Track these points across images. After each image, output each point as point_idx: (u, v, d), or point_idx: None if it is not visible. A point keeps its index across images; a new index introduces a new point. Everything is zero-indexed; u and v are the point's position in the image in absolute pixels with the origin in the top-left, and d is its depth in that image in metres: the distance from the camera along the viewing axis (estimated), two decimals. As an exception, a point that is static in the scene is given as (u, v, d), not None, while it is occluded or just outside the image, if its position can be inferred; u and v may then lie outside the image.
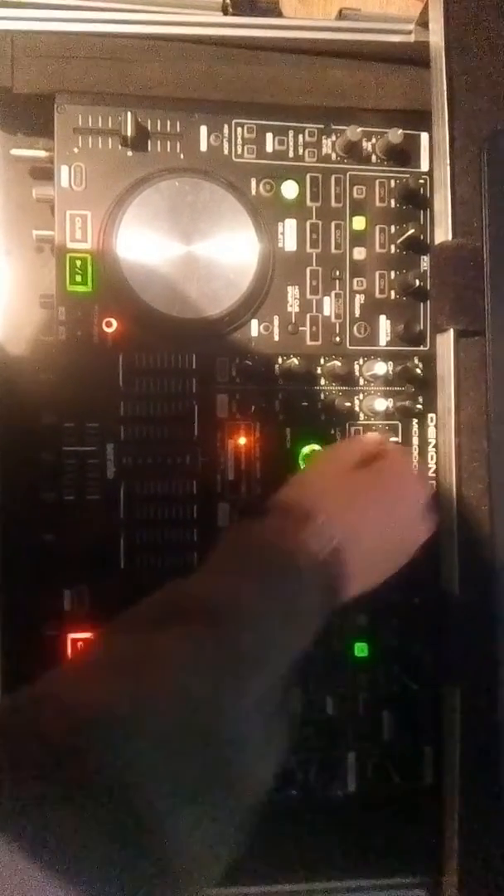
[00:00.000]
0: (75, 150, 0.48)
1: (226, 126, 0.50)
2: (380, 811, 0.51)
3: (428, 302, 0.51)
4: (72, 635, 0.47)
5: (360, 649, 0.51)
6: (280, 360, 0.50)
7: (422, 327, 0.51)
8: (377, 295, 0.52)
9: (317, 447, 0.50)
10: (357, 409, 0.51)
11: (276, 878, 0.49)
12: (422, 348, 0.52)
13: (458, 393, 0.47)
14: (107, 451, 0.48)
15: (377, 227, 0.51)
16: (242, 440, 0.50)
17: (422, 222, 0.51)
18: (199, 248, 0.47)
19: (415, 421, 0.52)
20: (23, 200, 0.52)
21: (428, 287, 0.51)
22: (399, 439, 0.51)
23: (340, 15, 0.55)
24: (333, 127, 0.51)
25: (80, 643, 0.47)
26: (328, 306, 0.51)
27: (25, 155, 0.51)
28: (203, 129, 0.49)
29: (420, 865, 0.50)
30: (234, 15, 0.51)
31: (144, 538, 0.49)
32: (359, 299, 0.51)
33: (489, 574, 0.46)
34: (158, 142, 0.49)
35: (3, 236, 0.52)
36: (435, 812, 0.49)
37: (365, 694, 0.51)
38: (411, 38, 0.51)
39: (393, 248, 0.52)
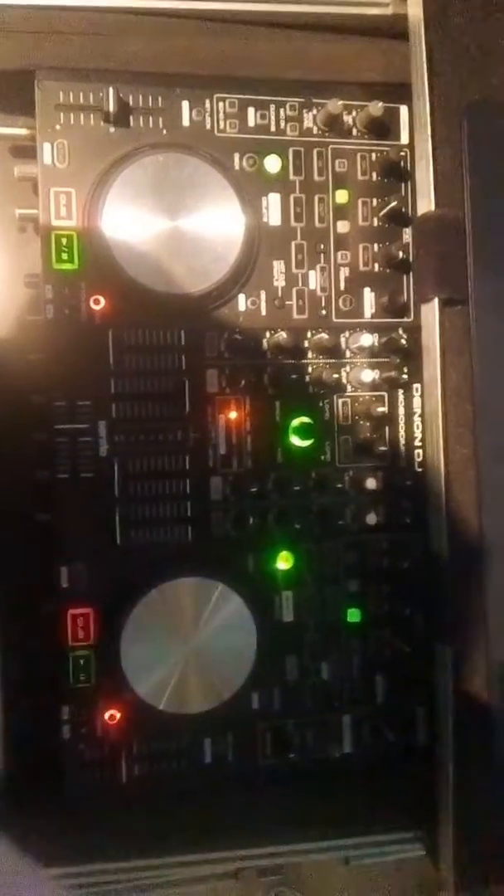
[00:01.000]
0: (57, 126, 0.48)
1: (207, 101, 0.50)
2: (376, 770, 0.52)
3: (411, 273, 0.52)
4: (71, 611, 0.48)
5: (353, 615, 0.52)
6: (268, 335, 0.51)
7: (406, 299, 0.52)
8: (361, 268, 0.52)
9: (306, 419, 0.51)
10: (344, 380, 0.52)
11: (276, 838, 0.51)
12: (406, 319, 0.53)
13: (443, 360, 0.48)
14: (99, 428, 0.48)
15: (360, 200, 0.52)
16: (233, 414, 0.50)
17: (403, 194, 0.52)
18: (184, 224, 0.48)
19: (401, 391, 0.53)
20: (3, 179, 0.52)
21: (411, 259, 0.52)
22: (386, 409, 0.52)
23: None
24: (314, 101, 0.51)
25: (79, 619, 0.48)
26: (314, 280, 0.51)
27: (5, 133, 0.51)
28: (185, 105, 0.49)
29: (417, 820, 0.52)
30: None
31: (139, 514, 0.49)
32: (343, 272, 0.52)
33: (477, 535, 0.48)
34: (141, 117, 0.49)
35: (-14, 216, 0.51)
36: (429, 769, 0.51)
37: (358, 658, 0.52)
38: (389, 11, 0.51)
39: (375, 220, 0.52)
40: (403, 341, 0.52)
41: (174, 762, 0.50)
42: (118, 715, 0.48)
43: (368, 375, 0.51)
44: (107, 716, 0.48)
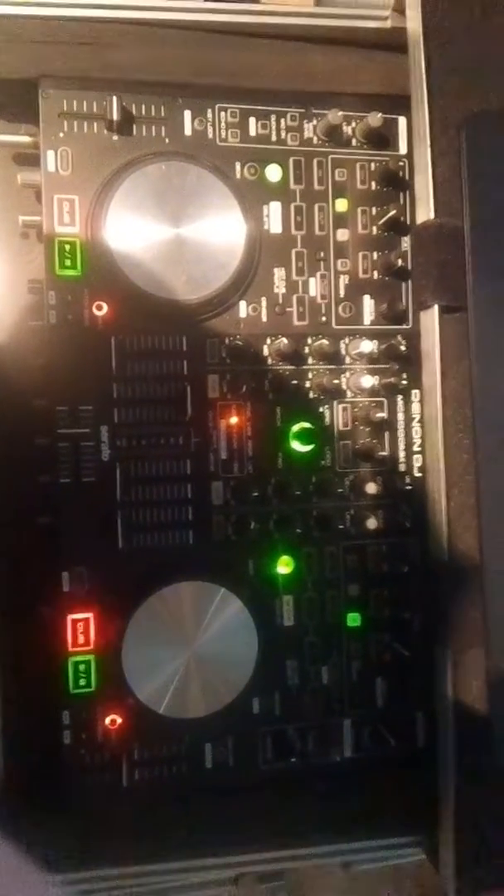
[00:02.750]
0: (61, 134, 0.48)
1: (209, 110, 0.50)
2: (376, 775, 0.52)
3: (410, 281, 0.53)
4: (71, 616, 0.48)
5: (353, 619, 0.53)
6: (269, 341, 0.51)
7: (404, 306, 0.53)
8: (361, 275, 0.53)
9: (307, 425, 0.51)
10: (344, 386, 0.53)
11: (277, 843, 0.51)
12: (404, 326, 0.53)
13: (442, 366, 0.49)
14: (101, 433, 0.49)
15: (359, 209, 0.53)
16: (234, 420, 0.51)
17: (402, 203, 0.53)
18: (186, 231, 0.48)
19: (400, 397, 0.53)
20: (7, 186, 0.52)
21: (409, 267, 0.53)
22: (385, 415, 0.52)
23: (318, 1, 0.56)
24: (314, 111, 0.52)
25: (79, 624, 0.48)
26: (314, 287, 0.52)
27: (9, 140, 0.51)
28: (187, 114, 0.50)
29: (416, 825, 0.52)
30: (215, 0, 0.51)
31: (141, 518, 0.49)
32: (343, 280, 0.53)
33: (476, 540, 0.48)
34: (143, 126, 0.49)
35: (-11, 222, 0.52)
36: (429, 773, 0.51)
37: (358, 662, 0.53)
38: (388, 24, 0.52)
39: (374, 229, 0.53)
40: (402, 348, 0.52)
41: (175, 767, 0.50)
42: (119, 720, 0.48)
43: (368, 381, 0.52)
44: (108, 721, 0.48)
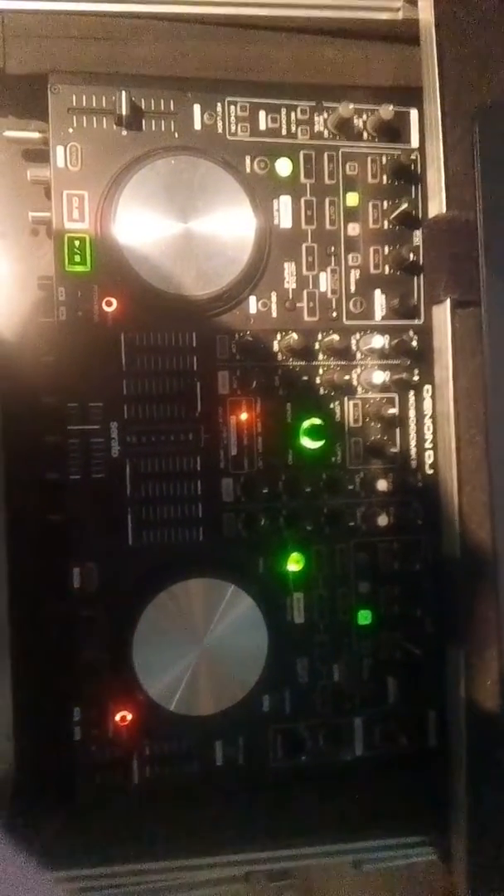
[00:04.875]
0: (70, 130, 0.48)
1: (219, 104, 0.50)
2: (387, 774, 0.52)
3: (421, 276, 0.53)
4: (83, 612, 0.48)
5: (364, 617, 0.52)
6: (279, 336, 0.51)
7: (416, 301, 0.53)
8: (372, 270, 0.52)
9: (317, 421, 0.51)
10: (355, 382, 0.52)
11: (288, 841, 0.50)
12: (416, 321, 0.53)
13: (455, 362, 0.48)
14: (111, 429, 0.49)
15: (370, 203, 0.52)
16: (244, 416, 0.51)
17: (413, 197, 0.52)
18: (196, 226, 0.48)
19: (411, 392, 0.53)
20: (17, 182, 0.52)
21: (421, 261, 0.52)
22: (396, 411, 0.52)
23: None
24: (325, 104, 0.51)
25: (90, 619, 0.48)
26: (324, 282, 0.52)
27: (19, 136, 0.51)
28: (196, 108, 0.50)
29: (428, 825, 0.52)
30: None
31: (151, 515, 0.49)
32: (354, 274, 0.52)
33: (489, 537, 0.48)
34: (153, 121, 0.49)
35: (-1, 219, 0.52)
36: (441, 772, 0.51)
37: (369, 661, 0.52)
38: (399, 16, 0.51)
39: (386, 223, 0.52)
40: (414, 343, 0.52)
41: (185, 764, 0.50)
42: (129, 716, 0.48)
43: (379, 377, 0.51)
44: (118, 717, 0.48)
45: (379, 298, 0.52)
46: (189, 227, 0.48)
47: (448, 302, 0.48)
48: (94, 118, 0.48)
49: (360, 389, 0.52)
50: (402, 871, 0.54)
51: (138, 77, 0.49)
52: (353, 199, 0.52)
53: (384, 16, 0.52)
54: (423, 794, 0.52)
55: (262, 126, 0.51)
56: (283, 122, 0.51)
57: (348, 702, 0.52)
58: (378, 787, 0.52)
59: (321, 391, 0.52)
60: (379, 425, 0.52)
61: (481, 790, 0.49)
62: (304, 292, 0.51)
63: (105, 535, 0.49)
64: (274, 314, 0.51)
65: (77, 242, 0.48)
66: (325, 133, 0.52)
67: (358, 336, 0.52)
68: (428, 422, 0.53)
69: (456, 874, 0.50)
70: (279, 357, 0.51)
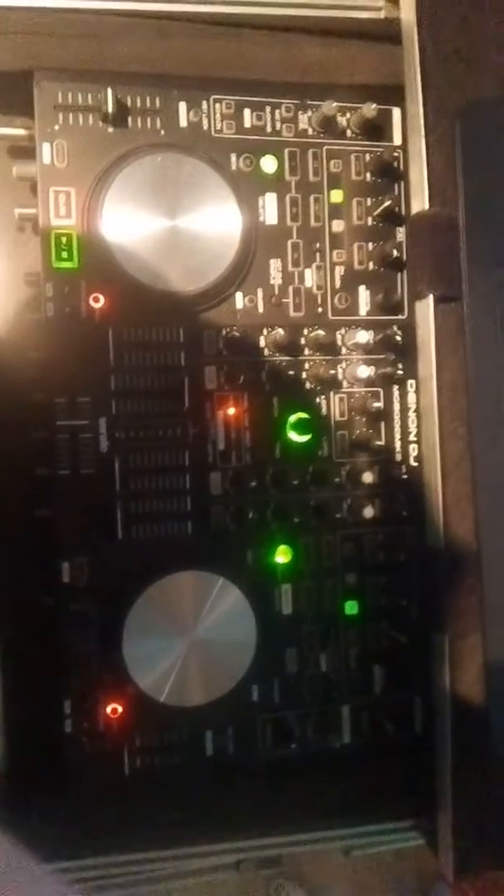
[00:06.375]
0: (56, 127, 0.48)
1: (204, 102, 0.50)
2: (375, 760, 0.53)
3: (405, 272, 0.53)
4: (72, 606, 0.48)
5: (351, 607, 0.53)
6: (265, 332, 0.52)
7: (400, 296, 0.53)
8: (356, 266, 0.53)
9: (303, 415, 0.52)
10: (341, 377, 0.53)
11: (278, 829, 0.51)
12: (400, 317, 0.54)
13: (438, 356, 0.49)
14: (99, 425, 0.49)
15: (354, 200, 0.53)
16: (231, 410, 0.51)
17: (397, 194, 0.53)
18: (182, 223, 0.48)
19: (396, 387, 0.54)
20: (2, 179, 0.52)
21: (405, 257, 0.53)
22: (381, 405, 0.53)
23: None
24: (309, 102, 0.52)
25: (80, 613, 0.48)
26: (310, 278, 0.52)
27: (4, 133, 0.51)
28: (182, 106, 0.50)
29: (415, 810, 0.53)
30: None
31: (140, 509, 0.50)
32: (339, 271, 0.53)
33: (472, 527, 0.49)
34: (139, 118, 0.50)
35: (-15, 215, 0.52)
36: (427, 758, 0.52)
37: (356, 650, 0.53)
38: (381, 15, 0.52)
39: (370, 220, 0.53)
40: (398, 338, 0.53)
41: (176, 755, 0.50)
42: (120, 708, 0.49)
43: (364, 372, 0.52)
44: (109, 709, 0.49)
45: (363, 294, 0.53)
46: (175, 223, 0.48)
47: (431, 297, 0.49)
48: (80, 115, 0.49)
49: (345, 384, 0.53)
50: (391, 856, 0.56)
51: (124, 74, 0.49)
52: (337, 196, 0.53)
53: (367, 15, 0.52)
54: (411, 779, 0.53)
55: (248, 124, 0.51)
56: (269, 119, 0.52)
57: (336, 690, 0.53)
58: (366, 773, 0.53)
59: (307, 386, 0.52)
60: (364, 419, 0.53)
61: (467, 775, 0.50)
62: (290, 288, 0.52)
63: (94, 529, 0.49)
64: (260, 310, 0.51)
65: (64, 239, 0.48)
66: (310, 131, 0.52)
67: (343, 331, 0.53)
68: (412, 415, 0.54)
69: (443, 858, 0.51)
70: (266, 352, 0.52)
